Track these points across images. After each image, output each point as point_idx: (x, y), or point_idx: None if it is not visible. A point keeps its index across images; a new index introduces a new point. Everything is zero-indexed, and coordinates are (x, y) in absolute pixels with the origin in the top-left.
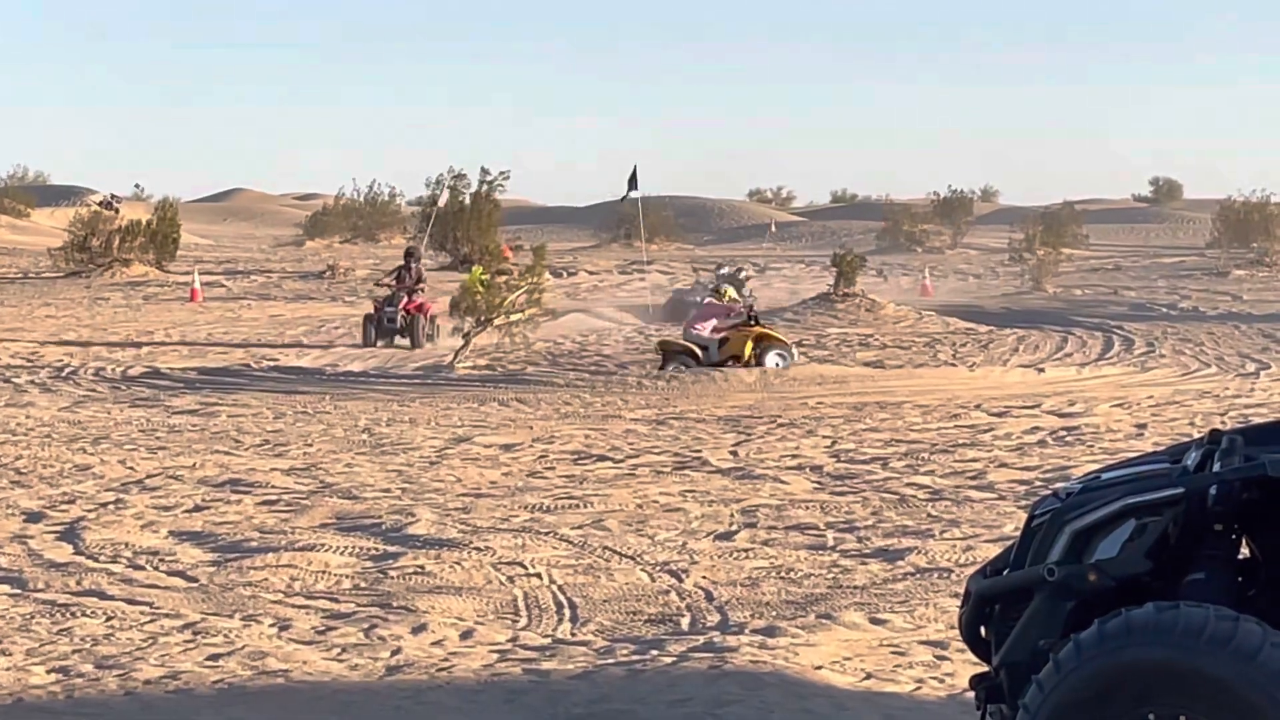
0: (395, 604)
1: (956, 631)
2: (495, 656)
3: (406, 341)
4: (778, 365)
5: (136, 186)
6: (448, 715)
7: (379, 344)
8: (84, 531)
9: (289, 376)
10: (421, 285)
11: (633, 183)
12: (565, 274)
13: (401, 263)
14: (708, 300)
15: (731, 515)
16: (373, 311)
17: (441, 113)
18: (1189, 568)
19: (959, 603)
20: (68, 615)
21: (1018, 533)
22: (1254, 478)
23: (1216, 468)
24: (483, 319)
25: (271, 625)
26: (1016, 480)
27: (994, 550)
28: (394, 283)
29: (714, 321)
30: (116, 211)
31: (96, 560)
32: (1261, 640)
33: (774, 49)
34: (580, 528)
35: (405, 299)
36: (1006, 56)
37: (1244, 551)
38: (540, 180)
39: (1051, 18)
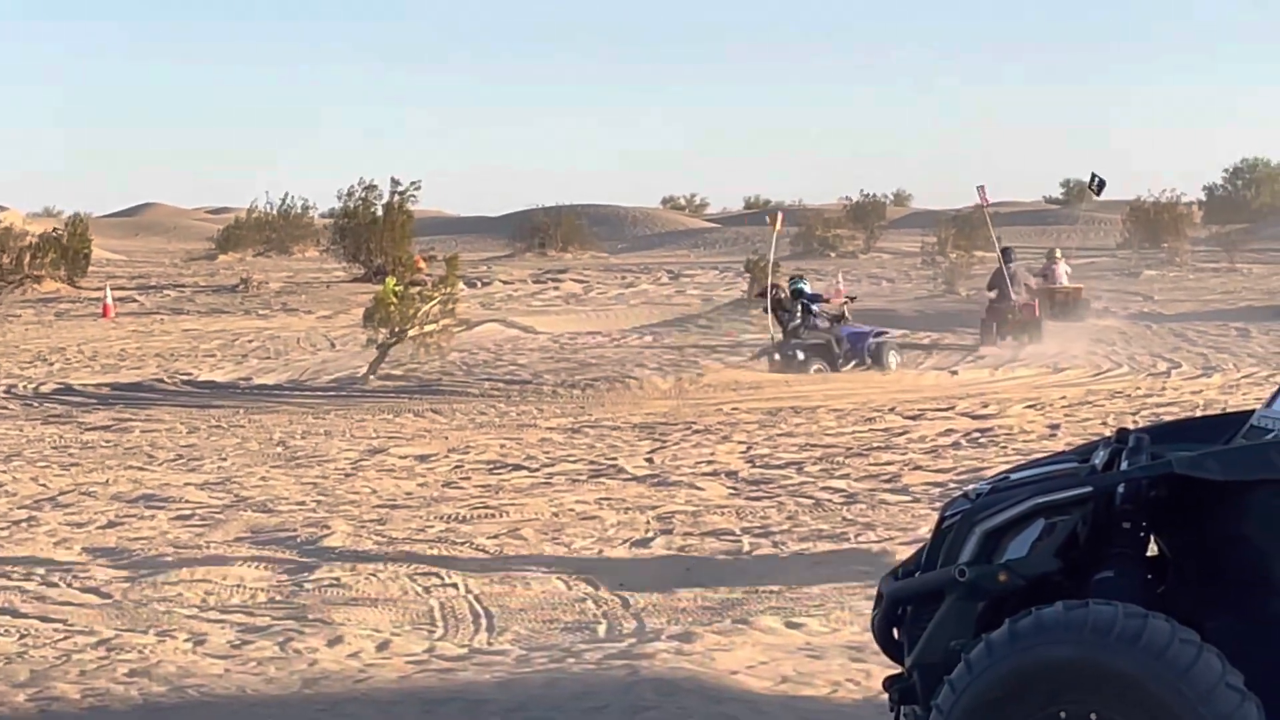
0: (311, 616)
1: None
2: (412, 667)
3: None
4: None
5: (46, 210)
6: None
7: None
8: None
9: (202, 391)
10: None
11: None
12: (479, 284)
13: None
14: None
15: (647, 522)
16: None
17: (356, 125)
18: (1098, 566)
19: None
20: None
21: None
22: (1161, 475)
23: (1124, 466)
24: (396, 330)
25: (186, 640)
26: (931, 482)
27: (909, 553)
28: None
29: None
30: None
31: (9, 578)
32: (1170, 637)
33: (685, 52)
34: (496, 537)
35: None
36: (917, 58)
37: (1153, 549)
38: (453, 190)
39: (962, 21)
